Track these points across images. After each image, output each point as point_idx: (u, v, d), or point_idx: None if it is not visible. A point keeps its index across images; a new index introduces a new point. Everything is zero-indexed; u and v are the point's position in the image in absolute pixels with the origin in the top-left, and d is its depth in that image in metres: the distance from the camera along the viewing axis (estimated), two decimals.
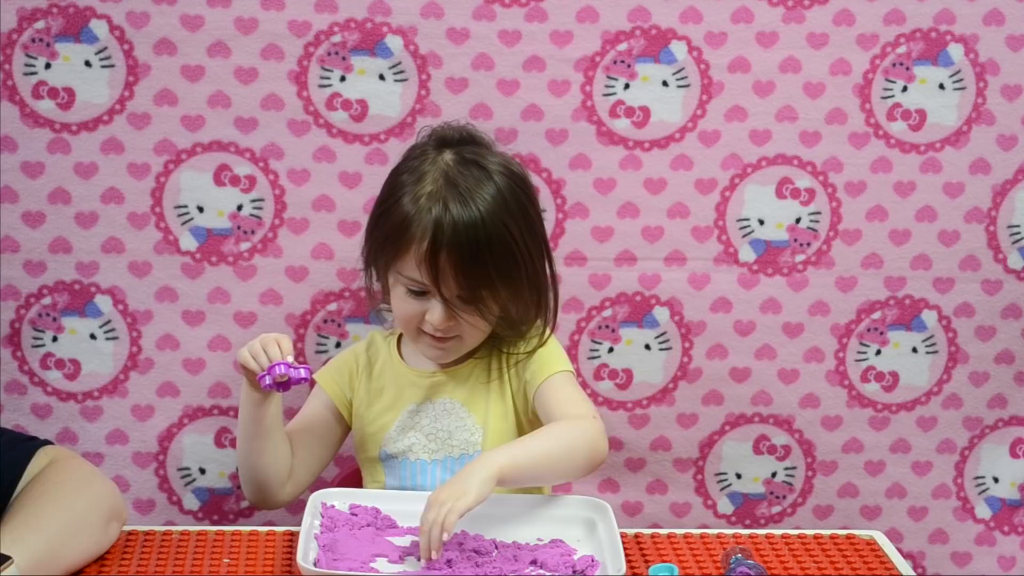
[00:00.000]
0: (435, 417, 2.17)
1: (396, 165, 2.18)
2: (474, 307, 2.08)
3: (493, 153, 2.17)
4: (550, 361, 2.16)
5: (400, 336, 2.23)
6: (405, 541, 1.95)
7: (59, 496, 1.89)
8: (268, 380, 2.04)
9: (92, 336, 2.45)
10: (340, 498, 2.02)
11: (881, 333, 2.55)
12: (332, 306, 2.47)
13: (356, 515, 1.98)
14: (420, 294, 2.09)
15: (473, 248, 2.04)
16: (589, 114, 2.45)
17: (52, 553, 1.83)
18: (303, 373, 2.04)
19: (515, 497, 2.09)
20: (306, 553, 1.84)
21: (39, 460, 1.95)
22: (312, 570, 1.80)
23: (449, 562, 1.86)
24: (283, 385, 2.06)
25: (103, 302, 2.44)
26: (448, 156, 2.12)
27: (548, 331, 2.18)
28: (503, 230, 2.07)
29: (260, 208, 2.44)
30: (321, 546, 1.89)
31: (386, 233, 2.09)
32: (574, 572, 1.88)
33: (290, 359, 2.04)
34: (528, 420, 2.18)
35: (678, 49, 2.44)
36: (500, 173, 2.11)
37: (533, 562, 1.90)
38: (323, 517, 1.96)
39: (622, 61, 2.44)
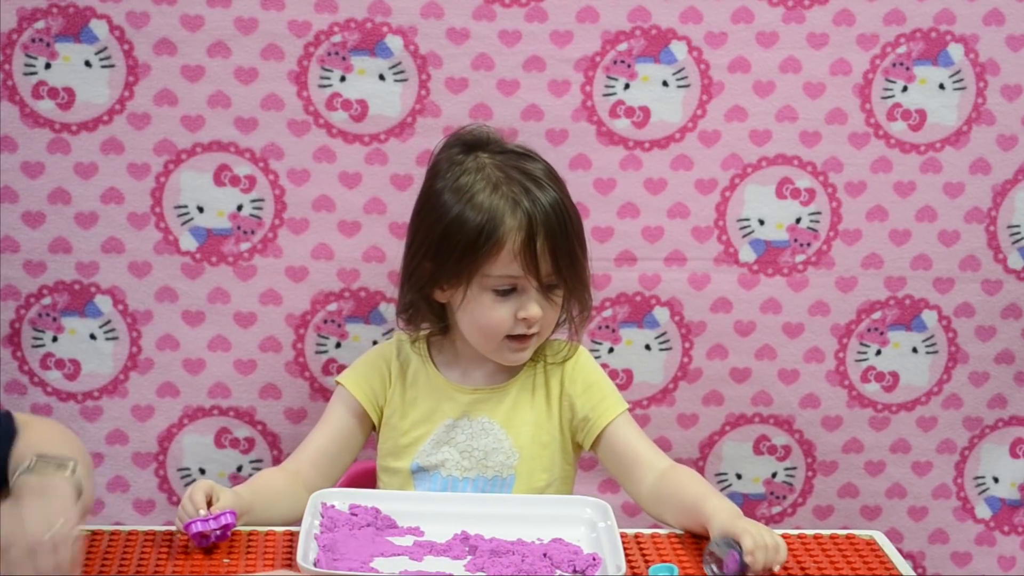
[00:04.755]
0: (472, 435, 2.16)
1: (429, 189, 2.14)
2: (563, 287, 2.10)
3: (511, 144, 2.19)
4: (612, 399, 2.18)
5: (429, 344, 2.22)
6: (406, 541, 1.95)
7: (67, 440, 1.86)
8: (193, 535, 1.91)
9: (92, 336, 2.45)
10: (340, 498, 2.02)
11: (881, 333, 2.55)
12: (332, 306, 2.47)
13: (356, 515, 1.98)
14: (509, 293, 2.09)
15: (563, 226, 2.08)
16: (589, 114, 2.45)
17: (89, 473, 1.82)
18: (224, 521, 1.91)
19: (516, 497, 2.09)
20: (306, 553, 1.84)
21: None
22: (312, 570, 1.80)
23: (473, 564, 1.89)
24: (207, 537, 1.92)
25: (103, 302, 2.44)
26: (484, 156, 2.13)
27: (583, 324, 2.19)
28: (572, 204, 2.12)
29: (260, 208, 2.44)
30: (321, 546, 1.89)
31: (465, 245, 2.07)
32: (575, 571, 1.88)
33: (202, 512, 1.91)
34: (575, 444, 2.20)
35: (678, 49, 2.45)
36: (538, 157, 2.16)
37: (544, 555, 1.90)
38: (323, 517, 1.96)
39: (622, 61, 2.44)
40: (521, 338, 2.11)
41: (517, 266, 2.06)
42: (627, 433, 2.16)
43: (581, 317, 2.17)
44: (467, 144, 2.16)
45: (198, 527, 1.91)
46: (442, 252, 2.09)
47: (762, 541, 1.87)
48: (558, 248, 2.08)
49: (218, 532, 1.92)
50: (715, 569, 1.89)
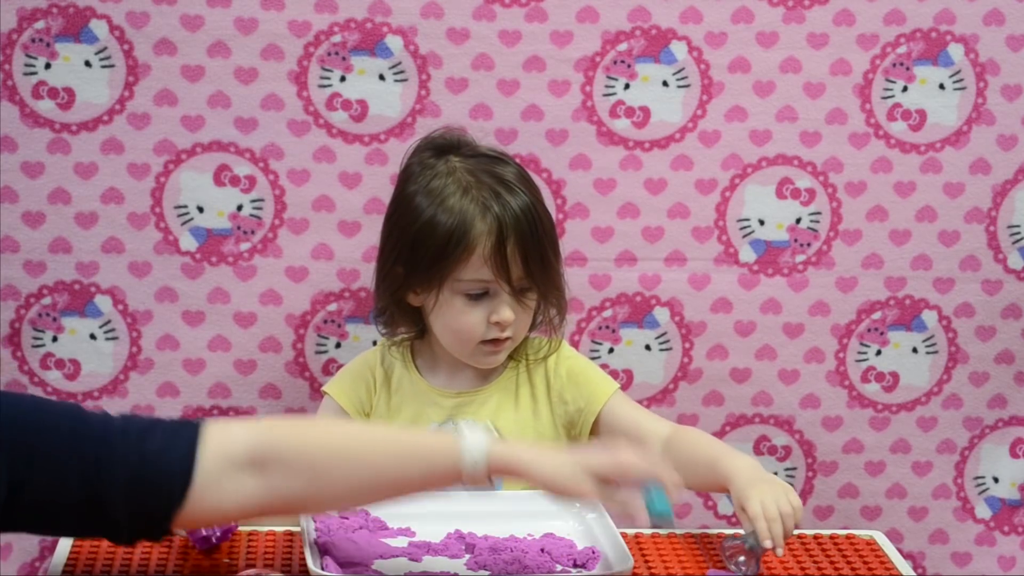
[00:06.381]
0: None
1: (401, 193, 2.16)
2: (534, 291, 2.11)
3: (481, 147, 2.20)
4: (601, 383, 2.18)
5: (413, 349, 2.21)
6: (401, 542, 1.95)
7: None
8: (196, 540, 1.91)
9: (92, 336, 2.45)
10: None
11: (881, 333, 2.55)
12: (332, 306, 2.47)
13: (347, 518, 1.97)
14: (481, 297, 2.09)
15: (534, 230, 2.08)
16: (589, 114, 2.45)
17: None
18: (227, 525, 1.90)
19: (503, 494, 2.09)
20: (314, 559, 1.83)
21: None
22: (325, 575, 1.79)
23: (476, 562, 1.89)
24: (209, 539, 1.91)
25: (103, 302, 2.44)
26: (456, 160, 2.13)
27: (562, 322, 2.19)
28: (543, 207, 2.13)
29: (260, 208, 2.44)
30: (322, 551, 1.88)
31: (436, 249, 2.07)
32: (575, 565, 1.88)
33: None
34: (570, 439, 2.19)
35: (678, 49, 2.44)
36: (510, 160, 2.16)
37: (541, 550, 1.90)
38: (316, 521, 1.95)
39: (622, 61, 2.44)
40: (495, 342, 2.11)
41: (488, 270, 2.06)
42: (624, 410, 2.17)
43: (559, 320, 2.17)
44: (438, 148, 2.16)
45: (202, 531, 1.91)
46: (414, 256, 2.10)
47: (774, 513, 1.87)
48: (529, 252, 2.08)
49: (219, 534, 1.92)
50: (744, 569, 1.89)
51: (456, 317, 2.10)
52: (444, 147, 2.17)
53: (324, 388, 2.22)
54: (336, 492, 1.74)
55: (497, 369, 2.18)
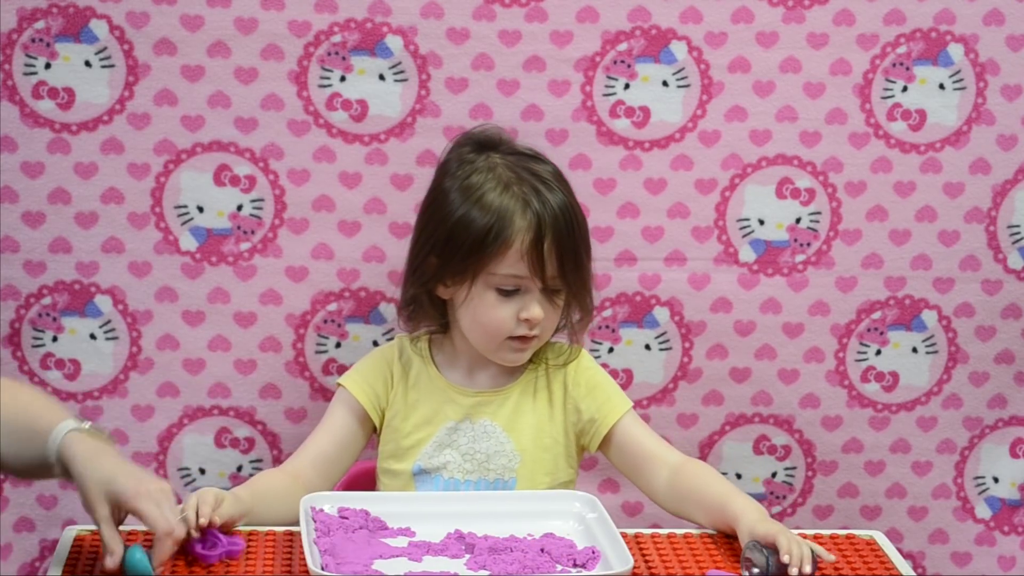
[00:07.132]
0: (474, 438, 2.16)
1: (438, 186, 2.16)
2: (566, 290, 2.12)
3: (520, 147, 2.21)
4: (616, 399, 2.19)
5: (432, 344, 2.21)
6: (401, 542, 1.95)
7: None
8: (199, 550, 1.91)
9: (92, 336, 2.45)
10: (328, 501, 2.01)
11: (881, 333, 2.55)
12: (332, 306, 2.47)
13: (347, 518, 1.97)
14: (513, 293, 2.10)
15: (570, 228, 2.10)
16: (589, 114, 2.45)
17: None
18: (229, 547, 1.90)
19: (503, 494, 2.10)
20: (314, 560, 1.83)
21: None
22: (326, 575, 1.79)
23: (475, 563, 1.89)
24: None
25: (103, 302, 2.44)
26: (497, 156, 2.15)
27: (583, 330, 2.20)
28: (579, 208, 2.14)
29: (260, 208, 2.44)
30: (322, 551, 1.88)
31: (473, 242, 2.08)
32: (575, 565, 1.88)
33: (216, 519, 1.90)
34: (580, 447, 2.20)
35: (678, 49, 2.45)
36: (546, 159, 2.18)
37: (541, 550, 1.90)
38: (316, 522, 1.95)
39: (622, 61, 2.44)
40: (522, 339, 2.12)
41: (524, 266, 2.07)
42: (635, 430, 2.17)
43: (581, 324, 2.18)
44: (479, 143, 2.18)
45: (199, 549, 1.89)
46: (449, 248, 2.10)
47: (795, 538, 1.89)
48: (564, 250, 2.09)
49: (224, 545, 1.91)
50: (754, 572, 1.89)
51: (487, 311, 2.10)
52: (484, 143, 2.18)
53: (340, 380, 2.21)
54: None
55: (516, 370, 2.18)
